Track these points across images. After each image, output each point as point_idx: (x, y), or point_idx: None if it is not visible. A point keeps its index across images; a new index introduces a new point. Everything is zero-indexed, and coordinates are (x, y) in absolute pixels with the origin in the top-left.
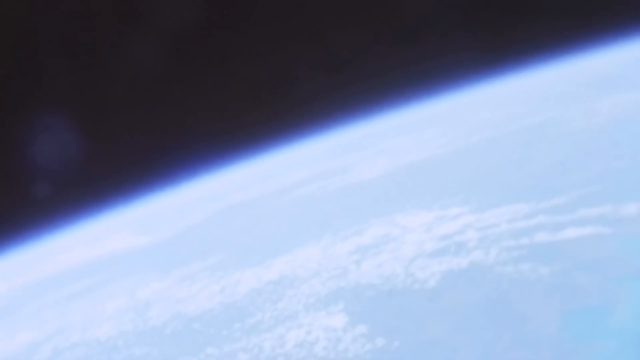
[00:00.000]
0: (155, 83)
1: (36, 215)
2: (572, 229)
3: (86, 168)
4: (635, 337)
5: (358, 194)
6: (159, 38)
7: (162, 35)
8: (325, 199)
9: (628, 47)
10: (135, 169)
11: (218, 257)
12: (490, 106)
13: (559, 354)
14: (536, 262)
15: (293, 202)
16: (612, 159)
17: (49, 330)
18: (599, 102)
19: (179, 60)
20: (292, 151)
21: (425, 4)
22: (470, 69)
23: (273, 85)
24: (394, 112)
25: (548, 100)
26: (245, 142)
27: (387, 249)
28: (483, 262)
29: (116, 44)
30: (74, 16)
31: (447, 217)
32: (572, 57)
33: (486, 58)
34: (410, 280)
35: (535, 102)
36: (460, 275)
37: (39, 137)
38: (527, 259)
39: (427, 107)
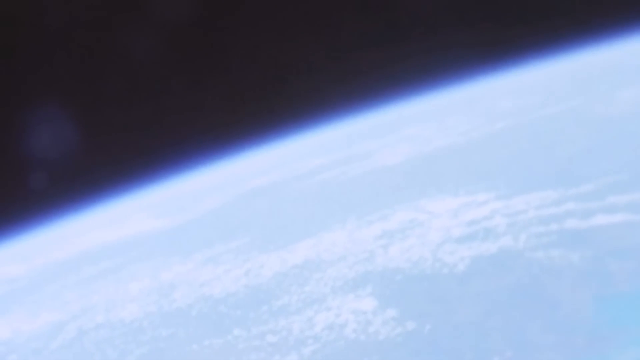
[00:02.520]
0: (174, 67)
1: (55, 198)
2: (602, 216)
3: (106, 151)
4: None
5: (381, 179)
6: (170, 24)
7: (177, 21)
8: (348, 184)
9: None
10: (153, 153)
11: (241, 240)
12: (512, 95)
13: (593, 339)
14: (567, 248)
15: (315, 187)
16: (638, 147)
17: (72, 311)
18: (621, 91)
19: (193, 43)
20: (312, 137)
21: None
22: (490, 58)
23: (295, 70)
24: (414, 100)
25: (569, 90)
26: (265, 126)
27: (414, 234)
28: (512, 248)
29: (119, 35)
30: (73, 7)
31: (473, 203)
32: (592, 47)
33: (506, 47)
34: (438, 264)
35: (557, 91)
36: (490, 261)
37: (59, 121)
38: (557, 245)
39: (448, 95)
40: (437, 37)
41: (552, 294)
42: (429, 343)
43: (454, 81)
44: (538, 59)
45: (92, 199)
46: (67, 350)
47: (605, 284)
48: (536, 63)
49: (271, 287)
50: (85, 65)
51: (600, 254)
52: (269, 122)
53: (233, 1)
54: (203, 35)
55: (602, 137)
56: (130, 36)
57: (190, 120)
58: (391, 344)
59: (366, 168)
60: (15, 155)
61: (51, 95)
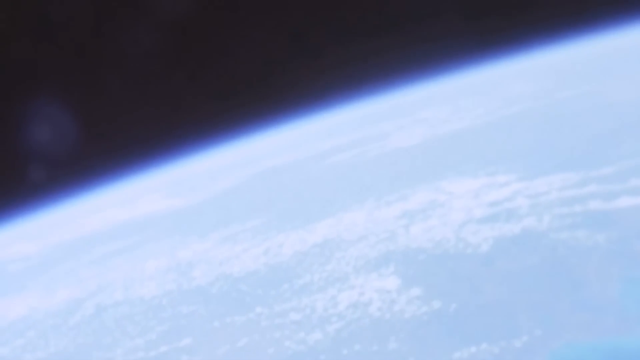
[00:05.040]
0: (185, 49)
1: (68, 178)
2: (625, 197)
3: (120, 131)
4: None
5: (398, 161)
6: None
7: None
8: (364, 166)
9: None
10: (167, 133)
11: (258, 220)
12: (526, 79)
13: (622, 318)
14: (592, 229)
15: (331, 167)
16: None
17: (89, 289)
18: (636, 76)
19: (204, 27)
20: (324, 119)
21: None
22: (503, 43)
23: (310, 52)
24: (427, 83)
25: (585, 74)
26: (279, 108)
27: (435, 215)
28: (536, 229)
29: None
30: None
31: (494, 185)
32: (607, 32)
33: (519, 32)
34: (462, 244)
35: (572, 75)
36: (514, 241)
37: (72, 102)
38: (582, 226)
39: (460, 79)
40: (451, 21)
41: (580, 274)
42: (456, 322)
43: (466, 65)
44: (551, 43)
45: (105, 178)
46: (86, 326)
47: (632, 264)
48: (550, 48)
49: (292, 266)
50: (97, 51)
51: (626, 235)
52: (282, 103)
53: None
54: (217, 18)
55: (620, 121)
56: (150, 20)
57: (203, 101)
58: (417, 322)
59: (382, 150)
60: (30, 135)
61: (71, 78)
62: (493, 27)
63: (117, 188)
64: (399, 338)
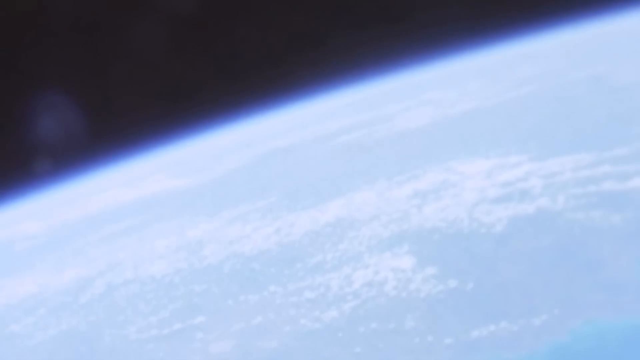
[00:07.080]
0: (197, 27)
1: (74, 157)
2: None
3: (126, 110)
4: None
5: (407, 141)
6: None
7: None
8: (373, 146)
9: None
10: (173, 113)
11: (267, 199)
12: (534, 60)
13: None
14: (607, 210)
15: (339, 148)
16: None
17: (99, 267)
18: None
19: (212, 10)
20: (331, 100)
21: None
22: (511, 24)
23: (317, 33)
24: (432, 65)
25: (593, 56)
26: (285, 88)
27: (447, 195)
28: (551, 209)
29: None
30: None
31: (506, 165)
32: (619, 13)
33: (528, 13)
34: (475, 224)
35: (582, 57)
36: (528, 221)
37: (81, 86)
38: (597, 206)
39: (468, 61)
40: (459, 2)
41: (596, 254)
42: (474, 300)
43: (473, 47)
44: (562, 24)
45: (112, 158)
46: (97, 304)
47: None
48: (560, 29)
49: (304, 245)
50: (101, 32)
51: None
52: (289, 84)
53: None
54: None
55: (633, 102)
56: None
57: (210, 80)
58: (434, 300)
59: (389, 131)
60: (35, 116)
61: (76, 58)
62: (501, 7)
63: (123, 168)
64: (416, 316)
